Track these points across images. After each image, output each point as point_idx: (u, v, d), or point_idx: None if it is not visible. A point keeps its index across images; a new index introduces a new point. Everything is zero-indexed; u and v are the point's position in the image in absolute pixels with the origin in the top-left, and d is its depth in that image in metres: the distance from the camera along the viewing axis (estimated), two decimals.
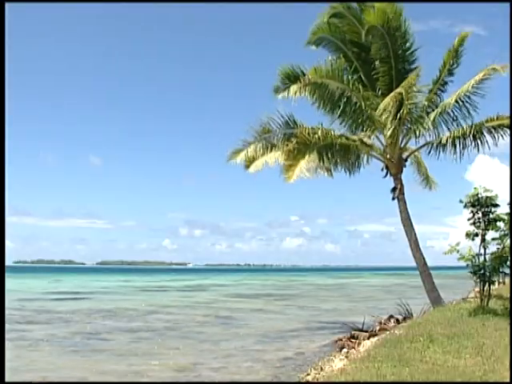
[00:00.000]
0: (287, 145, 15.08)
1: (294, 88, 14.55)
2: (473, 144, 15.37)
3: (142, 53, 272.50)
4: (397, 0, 14.73)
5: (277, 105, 15.82)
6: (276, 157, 15.71)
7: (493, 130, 15.10)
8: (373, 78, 15.77)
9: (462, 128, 15.14)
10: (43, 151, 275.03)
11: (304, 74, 14.69)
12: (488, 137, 15.18)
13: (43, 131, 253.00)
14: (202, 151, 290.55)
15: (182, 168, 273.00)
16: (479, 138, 15.24)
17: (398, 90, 13.90)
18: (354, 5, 15.24)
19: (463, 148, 15.56)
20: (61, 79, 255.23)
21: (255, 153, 16.03)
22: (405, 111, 14.10)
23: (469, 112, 15.02)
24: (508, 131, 14.89)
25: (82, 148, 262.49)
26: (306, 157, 14.59)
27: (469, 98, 14.77)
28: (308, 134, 14.69)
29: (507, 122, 14.69)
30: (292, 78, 14.92)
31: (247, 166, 16.35)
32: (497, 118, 14.97)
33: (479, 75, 14.01)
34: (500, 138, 15.07)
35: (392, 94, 14.01)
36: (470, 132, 15.03)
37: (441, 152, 15.87)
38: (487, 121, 15.08)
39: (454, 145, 15.54)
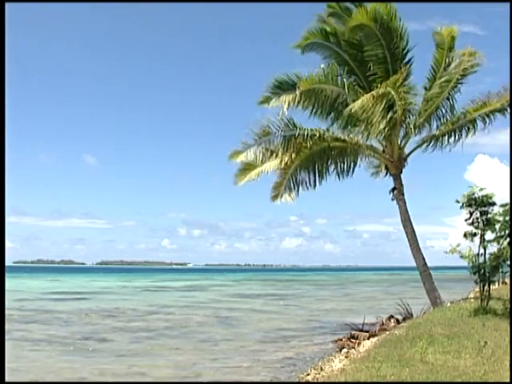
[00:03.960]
0: (286, 150, 15.19)
1: (287, 98, 14.52)
2: (466, 133, 15.60)
3: (139, 53, 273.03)
4: (394, 0, 14.73)
5: (266, 113, 15.63)
6: (274, 164, 15.64)
7: (485, 117, 15.29)
8: (370, 80, 15.70)
9: (457, 117, 15.45)
10: (39, 150, 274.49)
11: (296, 84, 14.62)
12: (480, 124, 15.43)
13: (39, 130, 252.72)
14: (202, 151, 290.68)
15: (181, 168, 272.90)
16: (472, 125, 15.49)
17: (382, 90, 13.56)
18: (351, 5, 15.16)
19: (458, 138, 15.72)
20: (60, 79, 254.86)
21: (255, 158, 15.61)
22: (399, 112, 13.81)
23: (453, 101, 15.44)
24: (497, 115, 15.11)
25: (78, 147, 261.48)
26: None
27: (453, 86, 15.06)
28: (305, 138, 14.74)
29: (498, 106, 14.86)
30: (285, 87, 14.87)
31: (241, 177, 16.18)
32: (485, 104, 15.20)
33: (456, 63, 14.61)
34: (491, 123, 15.34)
35: (375, 93, 13.66)
36: (464, 118, 15.32)
37: (437, 147, 16.07)
38: (478, 108, 15.27)
39: (449, 137, 15.74)
